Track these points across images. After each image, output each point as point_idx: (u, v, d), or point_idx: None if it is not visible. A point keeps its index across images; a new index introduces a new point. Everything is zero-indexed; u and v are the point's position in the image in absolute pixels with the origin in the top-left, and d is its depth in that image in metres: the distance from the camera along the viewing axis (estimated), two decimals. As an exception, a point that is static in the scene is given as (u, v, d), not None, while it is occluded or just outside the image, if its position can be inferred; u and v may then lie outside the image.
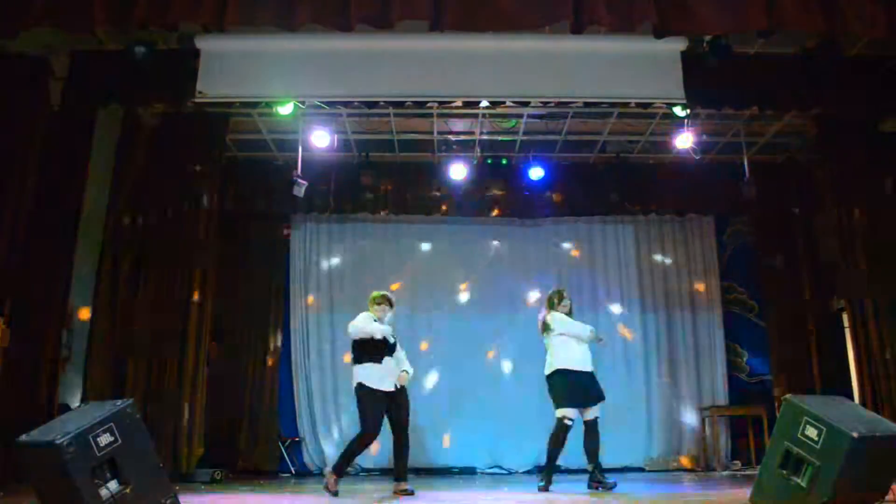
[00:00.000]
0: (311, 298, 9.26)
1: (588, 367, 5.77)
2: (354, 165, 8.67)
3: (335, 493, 5.10)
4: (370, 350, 5.34)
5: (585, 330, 5.87)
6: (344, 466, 5.32)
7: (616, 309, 9.38)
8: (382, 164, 8.80)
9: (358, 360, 5.40)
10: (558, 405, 5.69)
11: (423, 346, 9.09)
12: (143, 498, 3.48)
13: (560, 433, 5.65)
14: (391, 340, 5.45)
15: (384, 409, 5.30)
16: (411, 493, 5.16)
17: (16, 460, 3.75)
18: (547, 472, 5.68)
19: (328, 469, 5.44)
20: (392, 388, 5.31)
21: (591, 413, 5.71)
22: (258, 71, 6.19)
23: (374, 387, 5.26)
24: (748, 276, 9.48)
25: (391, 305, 5.63)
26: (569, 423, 5.65)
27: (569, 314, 5.99)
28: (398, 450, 5.31)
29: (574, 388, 5.68)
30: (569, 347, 5.78)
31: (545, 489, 5.55)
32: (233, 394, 8.70)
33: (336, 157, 8.75)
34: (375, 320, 5.44)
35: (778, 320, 8.97)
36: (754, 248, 9.50)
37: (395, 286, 9.00)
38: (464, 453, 8.78)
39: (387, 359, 5.39)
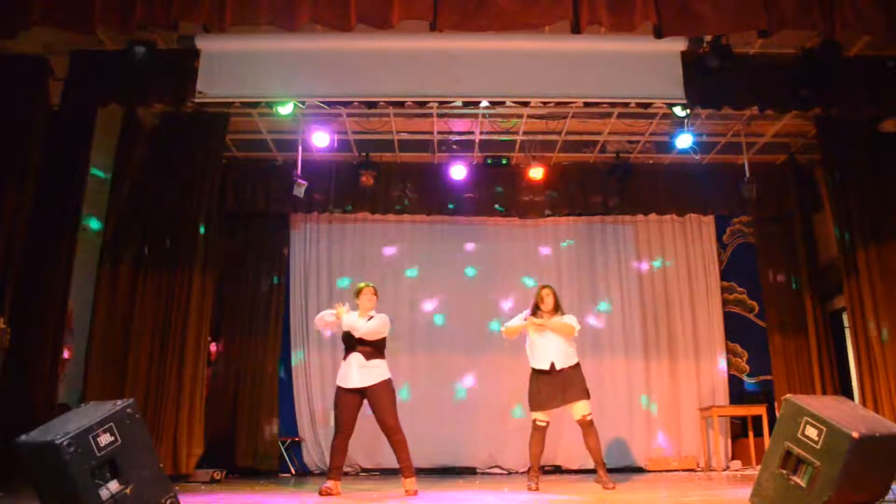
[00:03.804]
0: (311, 298, 9.26)
1: (544, 365, 5.67)
2: (354, 165, 8.67)
3: (336, 493, 5.12)
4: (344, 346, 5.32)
5: (514, 321, 5.91)
6: (332, 469, 5.28)
7: (616, 309, 9.38)
8: (382, 164, 8.80)
9: None
10: (530, 407, 5.79)
11: (424, 344, 9.09)
12: (143, 498, 3.48)
13: (534, 433, 5.75)
14: (356, 335, 5.30)
15: (353, 406, 5.22)
16: (413, 492, 5.18)
17: (16, 460, 3.74)
18: (533, 473, 5.74)
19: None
20: (356, 385, 5.19)
21: (577, 413, 5.65)
22: (258, 71, 6.18)
23: (339, 383, 5.24)
24: (748, 276, 9.49)
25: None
26: (540, 423, 5.72)
27: (555, 309, 5.88)
28: (393, 450, 5.30)
29: (537, 389, 5.71)
30: (531, 346, 5.85)
31: (535, 489, 5.59)
32: (233, 393, 8.71)
33: (336, 157, 8.75)
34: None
35: (778, 320, 8.96)
36: (754, 248, 9.51)
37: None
38: (464, 453, 8.79)
39: (353, 354, 5.27)
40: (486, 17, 5.18)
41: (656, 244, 9.59)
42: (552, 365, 5.67)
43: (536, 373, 5.76)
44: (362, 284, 5.59)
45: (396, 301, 9.22)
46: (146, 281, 7.24)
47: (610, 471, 6.30)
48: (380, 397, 5.21)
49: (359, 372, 5.22)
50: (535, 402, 5.71)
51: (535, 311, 5.91)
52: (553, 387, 5.65)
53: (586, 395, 5.66)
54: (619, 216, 9.47)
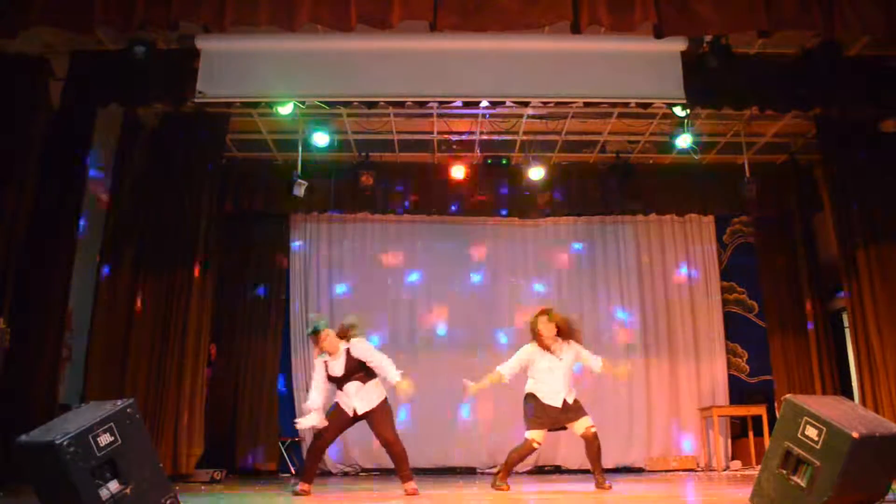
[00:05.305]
0: (310, 299, 9.26)
1: (556, 402, 5.48)
2: (354, 165, 8.67)
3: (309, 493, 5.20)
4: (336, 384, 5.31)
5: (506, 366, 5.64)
6: (308, 471, 5.34)
7: (616, 309, 9.38)
8: (382, 164, 8.79)
9: None
10: (528, 426, 5.58)
11: (425, 346, 9.09)
12: (143, 498, 3.47)
13: (524, 451, 5.59)
14: (337, 375, 5.21)
15: (345, 424, 5.27)
16: (414, 492, 5.18)
17: (16, 460, 3.74)
18: (501, 475, 5.67)
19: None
20: (357, 412, 5.20)
21: (581, 427, 5.49)
22: (258, 71, 6.18)
23: (340, 405, 5.26)
24: (748, 276, 9.49)
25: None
26: (535, 446, 5.58)
27: (559, 334, 5.63)
28: (393, 461, 5.31)
29: (539, 412, 5.53)
30: (539, 379, 5.59)
31: (505, 489, 5.57)
32: (233, 394, 8.71)
33: (336, 157, 8.75)
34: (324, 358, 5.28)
35: (778, 320, 8.96)
36: (754, 248, 9.52)
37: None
38: (464, 453, 8.79)
39: (348, 385, 5.20)
40: (486, 17, 5.19)
41: (656, 244, 9.59)
42: (564, 402, 5.52)
43: (540, 401, 5.55)
44: (320, 327, 5.23)
45: (397, 301, 9.25)
46: (146, 281, 7.25)
47: (610, 471, 6.31)
48: (378, 418, 5.22)
49: (358, 398, 5.21)
50: (536, 422, 5.53)
51: (538, 340, 5.63)
52: (557, 413, 5.52)
53: (585, 412, 5.55)
54: (619, 216, 9.48)
